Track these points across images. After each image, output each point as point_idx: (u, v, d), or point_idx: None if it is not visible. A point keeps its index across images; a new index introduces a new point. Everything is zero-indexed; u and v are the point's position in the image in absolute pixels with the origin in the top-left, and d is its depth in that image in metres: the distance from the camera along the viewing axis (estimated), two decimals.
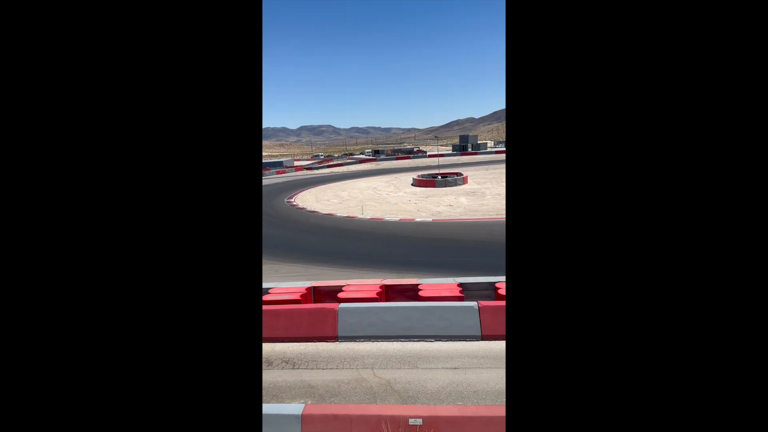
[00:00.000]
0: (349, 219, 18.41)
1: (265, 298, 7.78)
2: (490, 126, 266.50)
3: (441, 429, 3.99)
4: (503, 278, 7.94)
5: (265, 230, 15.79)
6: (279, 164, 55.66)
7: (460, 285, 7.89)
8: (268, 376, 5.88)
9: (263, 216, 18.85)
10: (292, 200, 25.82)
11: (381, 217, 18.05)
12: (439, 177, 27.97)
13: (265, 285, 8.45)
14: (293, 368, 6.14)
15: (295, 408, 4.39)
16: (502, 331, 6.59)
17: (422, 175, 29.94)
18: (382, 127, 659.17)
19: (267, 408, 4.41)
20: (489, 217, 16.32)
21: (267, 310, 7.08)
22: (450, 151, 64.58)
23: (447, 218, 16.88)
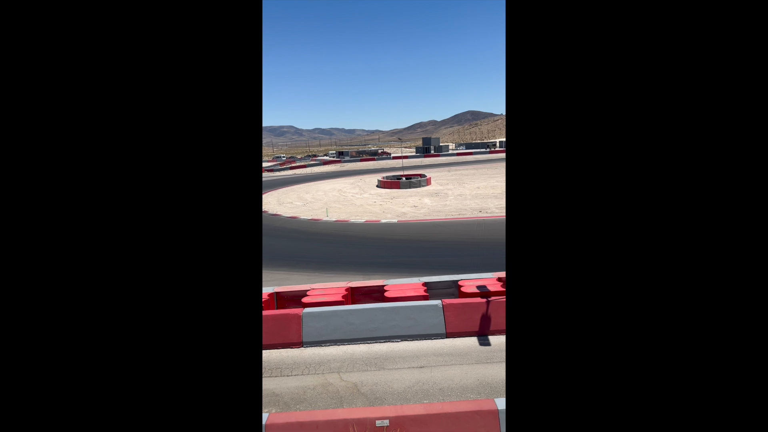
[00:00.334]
0: (314, 222, 18.13)
1: None
2: (451, 129, 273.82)
3: (407, 428, 4.03)
4: (466, 276, 8.17)
5: None
6: None
7: (425, 284, 8.01)
8: None
9: None
10: None
11: (346, 219, 17.94)
12: (404, 178, 28.29)
13: None
14: None
15: None
16: (466, 328, 6.78)
17: (387, 177, 30.14)
18: (346, 128, 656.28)
19: None
20: (452, 217, 16.74)
21: None
22: (413, 153, 65.58)
23: (412, 219, 17.11)
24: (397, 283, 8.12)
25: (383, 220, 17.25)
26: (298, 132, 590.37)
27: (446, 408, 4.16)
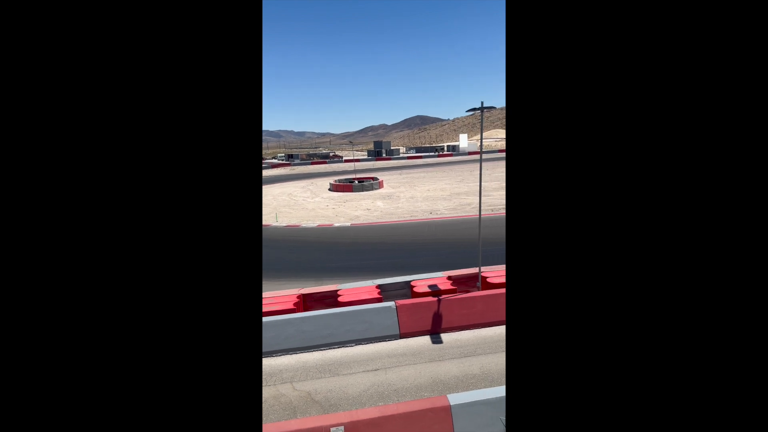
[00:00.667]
0: (263, 227, 17.45)
1: None
2: (401, 133, 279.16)
3: None
4: (419, 276, 8.36)
5: None
6: None
7: (379, 287, 8.06)
8: None
9: None
10: None
11: (297, 224, 17.49)
12: (356, 182, 28.27)
13: None
14: None
15: None
16: (419, 327, 6.92)
17: (339, 180, 29.91)
18: (296, 131, 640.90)
19: None
20: (405, 219, 17.04)
21: None
22: (365, 156, 65.83)
23: (365, 222, 17.13)
24: (350, 287, 8.07)
25: (336, 224, 17.08)
26: None
27: (400, 408, 4.21)
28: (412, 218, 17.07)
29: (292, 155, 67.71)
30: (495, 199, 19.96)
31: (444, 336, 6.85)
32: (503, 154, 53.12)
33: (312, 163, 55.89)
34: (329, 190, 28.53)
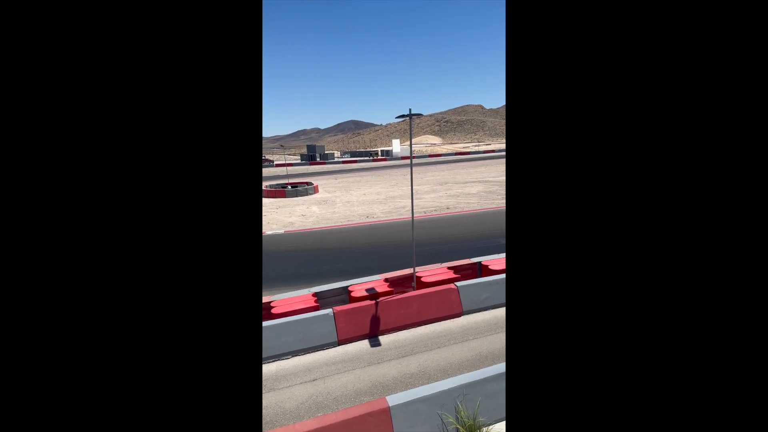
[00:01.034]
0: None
1: None
2: (335, 137, 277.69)
3: None
4: (356, 281, 8.34)
5: None
6: None
7: (315, 294, 7.87)
8: None
9: None
10: None
11: None
12: (290, 187, 27.38)
13: None
14: None
15: None
16: (357, 332, 6.90)
17: (271, 186, 28.70)
18: None
19: None
20: (341, 224, 16.92)
21: None
22: (298, 161, 64.16)
23: (300, 228, 16.64)
24: (285, 298, 7.76)
25: (269, 232, 16.33)
26: None
27: (339, 416, 4.14)
28: (349, 223, 17.02)
29: None
30: (427, 201, 20.83)
31: (382, 338, 6.92)
32: (434, 159, 55.74)
33: None
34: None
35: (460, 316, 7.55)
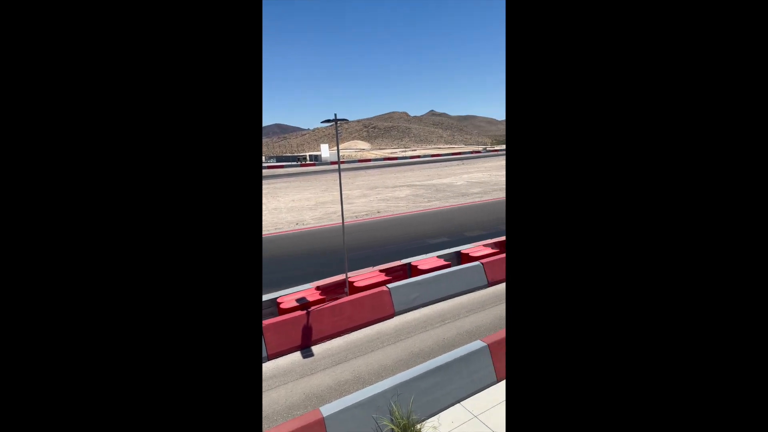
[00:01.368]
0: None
1: None
2: (266, 140, 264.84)
3: None
4: (285, 291, 8.01)
5: None
6: None
7: None
8: None
9: None
10: None
11: None
12: None
13: None
14: None
15: None
16: (288, 345, 6.62)
17: None
18: None
19: None
20: (269, 232, 16.14)
21: None
22: None
23: None
24: None
25: None
26: None
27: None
28: (277, 231, 16.31)
29: None
30: (359, 206, 20.94)
31: (315, 348, 6.75)
32: (364, 164, 56.38)
33: None
34: None
35: (392, 317, 7.70)
